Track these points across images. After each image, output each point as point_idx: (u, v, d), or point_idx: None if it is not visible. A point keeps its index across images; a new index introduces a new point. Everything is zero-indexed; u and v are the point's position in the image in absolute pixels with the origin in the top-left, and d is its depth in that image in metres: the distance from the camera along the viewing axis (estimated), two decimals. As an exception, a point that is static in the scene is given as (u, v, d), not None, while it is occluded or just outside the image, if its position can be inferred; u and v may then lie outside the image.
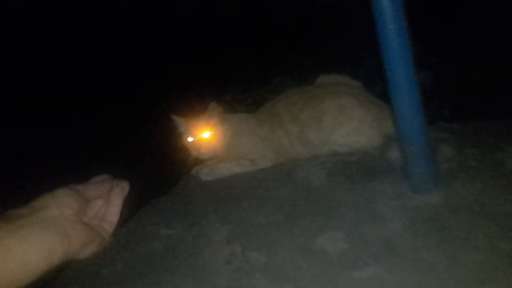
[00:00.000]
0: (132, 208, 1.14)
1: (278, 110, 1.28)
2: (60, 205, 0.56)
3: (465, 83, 1.97)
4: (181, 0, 3.38)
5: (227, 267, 0.82)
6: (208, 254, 0.89)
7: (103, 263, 0.92)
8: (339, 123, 1.18)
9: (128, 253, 0.94)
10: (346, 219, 0.84)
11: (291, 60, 2.42)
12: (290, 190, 1.01)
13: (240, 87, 2.30)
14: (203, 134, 1.24)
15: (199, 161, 1.28)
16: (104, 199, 0.67)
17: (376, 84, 1.44)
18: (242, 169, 1.20)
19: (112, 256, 0.94)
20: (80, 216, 0.58)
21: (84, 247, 0.57)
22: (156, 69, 3.08)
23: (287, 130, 1.24)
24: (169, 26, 3.30)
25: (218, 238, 0.93)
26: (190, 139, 1.26)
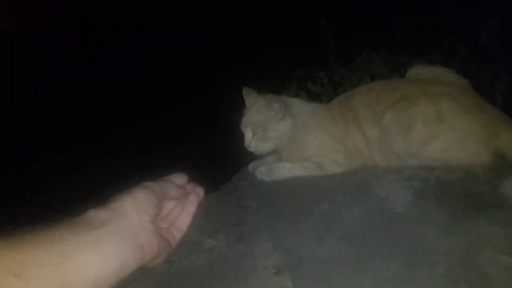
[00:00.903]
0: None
1: (356, 106, 1.02)
2: (139, 211, 0.55)
3: None
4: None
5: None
6: (251, 283, 0.73)
7: (132, 277, 0.80)
8: (435, 134, 0.90)
9: (162, 265, 0.82)
10: (438, 277, 0.62)
11: (378, 32, 2.02)
12: (363, 212, 0.80)
13: (316, 62, 2.00)
14: (254, 129, 1.06)
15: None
16: (179, 203, 0.66)
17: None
18: (305, 173, 0.99)
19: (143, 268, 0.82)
20: (155, 223, 0.57)
21: (155, 259, 0.56)
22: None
23: (365, 133, 0.99)
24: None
25: (266, 265, 0.76)
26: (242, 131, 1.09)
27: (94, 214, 0.51)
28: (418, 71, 1.03)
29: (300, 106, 1.10)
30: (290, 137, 1.05)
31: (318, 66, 1.91)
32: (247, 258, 0.79)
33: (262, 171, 1.03)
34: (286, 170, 1.01)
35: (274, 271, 0.74)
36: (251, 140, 1.06)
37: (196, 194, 0.67)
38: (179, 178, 0.67)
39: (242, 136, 1.08)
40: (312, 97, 1.74)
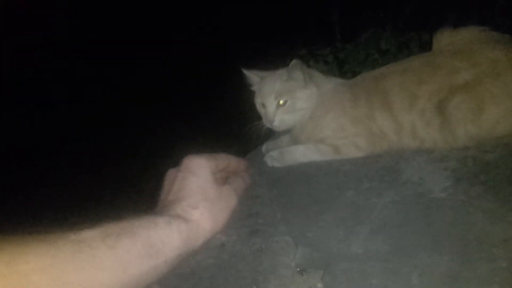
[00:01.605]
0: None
1: (387, 88, 0.88)
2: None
3: None
4: None
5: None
6: (273, 284, 0.63)
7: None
8: (507, 112, 0.78)
9: (175, 270, 0.71)
10: (500, 271, 0.52)
11: (384, 7, 1.88)
12: (396, 199, 0.70)
13: (319, 39, 1.88)
14: (280, 99, 0.93)
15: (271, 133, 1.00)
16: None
17: None
18: (321, 157, 0.89)
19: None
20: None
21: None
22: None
23: (396, 119, 0.87)
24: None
25: (288, 262, 0.66)
26: (262, 104, 0.96)
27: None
28: (451, 38, 0.89)
29: (322, 78, 0.98)
30: (310, 114, 0.94)
31: (322, 44, 1.80)
32: (264, 255, 0.68)
33: (273, 156, 0.92)
34: (299, 154, 0.91)
35: (298, 269, 0.64)
36: (275, 112, 0.92)
37: (242, 179, 0.67)
38: (225, 157, 0.67)
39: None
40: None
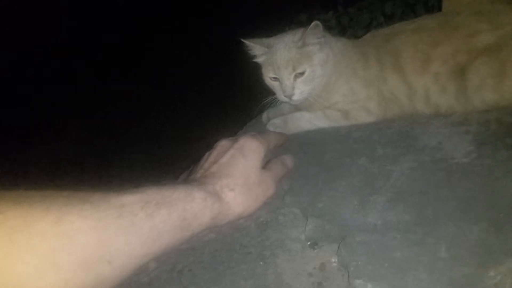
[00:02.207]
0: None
1: (399, 48, 0.80)
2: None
3: None
4: None
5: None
6: (281, 260, 0.57)
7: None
8: None
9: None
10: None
11: None
12: (414, 165, 0.64)
13: (320, 3, 1.75)
14: (299, 69, 0.81)
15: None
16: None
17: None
18: (328, 123, 0.82)
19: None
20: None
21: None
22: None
23: (408, 82, 0.79)
24: None
25: (297, 236, 0.60)
26: (274, 77, 0.84)
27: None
28: None
29: (331, 39, 0.88)
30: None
31: (323, 8, 1.69)
32: (270, 228, 0.63)
33: (276, 124, 0.85)
34: (305, 121, 0.84)
35: (308, 243, 0.58)
36: (294, 85, 0.81)
37: (282, 163, 0.64)
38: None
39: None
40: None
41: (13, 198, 0.39)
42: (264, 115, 0.90)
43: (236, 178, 0.56)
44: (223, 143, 0.62)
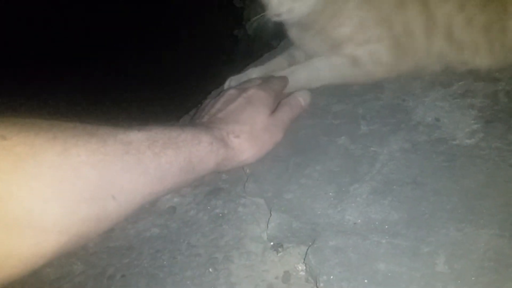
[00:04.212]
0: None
1: None
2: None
3: None
4: None
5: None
6: (236, 266, 0.45)
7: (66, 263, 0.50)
8: None
9: (105, 243, 0.52)
10: None
11: None
12: (406, 147, 0.51)
13: None
14: None
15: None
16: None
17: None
18: (330, 74, 0.66)
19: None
20: None
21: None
22: None
23: (430, 10, 0.62)
24: None
25: (259, 234, 0.47)
26: None
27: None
28: None
29: None
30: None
31: None
32: (226, 223, 0.50)
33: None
34: (303, 72, 0.68)
35: (271, 243, 0.46)
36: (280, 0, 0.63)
37: (290, 104, 0.60)
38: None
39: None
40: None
41: (20, 124, 0.38)
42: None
43: (242, 125, 0.54)
44: (231, 92, 0.60)
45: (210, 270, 0.45)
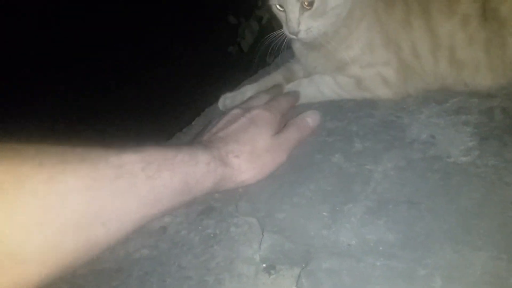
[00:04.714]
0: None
1: None
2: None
3: None
4: None
5: None
6: (228, 288, 0.44)
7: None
8: None
9: (93, 265, 0.50)
10: None
11: None
12: (401, 165, 0.50)
13: None
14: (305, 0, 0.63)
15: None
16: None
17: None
18: (337, 92, 0.67)
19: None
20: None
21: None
22: None
23: (434, 29, 0.63)
24: None
25: (251, 256, 0.46)
26: (280, 6, 0.67)
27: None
28: None
29: None
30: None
31: None
32: (218, 244, 0.49)
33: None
34: (310, 87, 0.68)
35: (264, 265, 0.45)
36: (299, 19, 0.64)
37: (297, 126, 0.58)
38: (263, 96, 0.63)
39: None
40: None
41: (4, 151, 0.37)
42: (221, 101, 0.74)
43: (242, 145, 0.52)
44: (235, 112, 0.58)
45: (200, 292, 0.44)
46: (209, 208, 0.55)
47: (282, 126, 0.58)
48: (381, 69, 0.65)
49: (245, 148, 0.52)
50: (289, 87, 0.70)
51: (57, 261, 0.38)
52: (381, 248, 0.40)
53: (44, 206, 0.37)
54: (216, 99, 0.74)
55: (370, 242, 0.41)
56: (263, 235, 0.47)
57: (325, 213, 0.46)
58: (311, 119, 0.60)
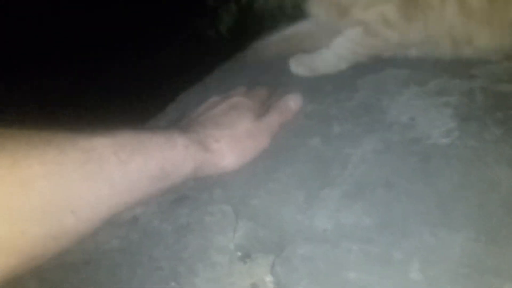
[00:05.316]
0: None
1: None
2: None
3: None
4: None
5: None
6: (201, 278, 0.42)
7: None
8: None
9: (61, 258, 0.48)
10: None
11: None
12: (380, 148, 0.49)
13: None
14: None
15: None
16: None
17: None
18: (353, 49, 0.63)
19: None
20: None
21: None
22: None
23: None
24: None
25: (225, 244, 0.44)
26: None
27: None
28: None
29: None
30: None
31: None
32: (191, 233, 0.47)
33: (298, 61, 0.67)
34: (329, 54, 0.65)
35: (239, 254, 0.43)
36: None
37: (279, 109, 0.56)
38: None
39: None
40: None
41: None
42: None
43: (222, 129, 0.50)
44: (214, 99, 0.57)
45: (173, 284, 0.42)
46: (183, 197, 0.52)
47: (262, 112, 0.56)
48: (382, 7, 0.62)
49: (225, 132, 0.50)
50: (311, 57, 0.68)
51: (24, 252, 0.37)
52: (357, 232, 0.39)
53: (7, 193, 0.35)
54: (192, 84, 0.72)
55: (346, 226, 0.40)
56: (237, 222, 0.45)
57: (301, 198, 0.45)
58: (293, 102, 0.59)
